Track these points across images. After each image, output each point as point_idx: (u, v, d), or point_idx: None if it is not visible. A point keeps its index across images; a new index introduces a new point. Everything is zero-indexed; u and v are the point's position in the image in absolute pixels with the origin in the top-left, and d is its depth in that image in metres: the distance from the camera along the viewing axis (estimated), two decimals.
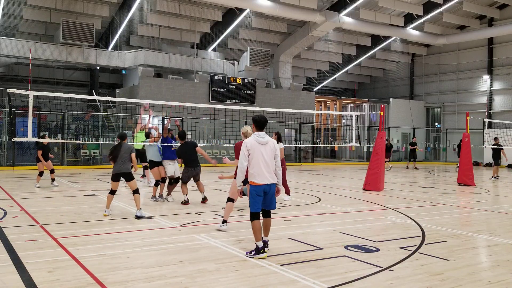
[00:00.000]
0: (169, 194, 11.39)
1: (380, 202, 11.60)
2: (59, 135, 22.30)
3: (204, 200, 10.80)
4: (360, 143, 22.15)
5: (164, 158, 11.44)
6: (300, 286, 4.97)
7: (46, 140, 13.61)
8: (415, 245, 6.84)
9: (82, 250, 6.15)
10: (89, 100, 26.99)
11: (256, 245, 6.02)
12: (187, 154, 10.54)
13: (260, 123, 6.29)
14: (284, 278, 5.19)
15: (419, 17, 29.76)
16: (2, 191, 12.26)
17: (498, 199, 13.15)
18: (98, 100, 25.18)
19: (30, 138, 12.52)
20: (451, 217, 9.63)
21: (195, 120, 23.06)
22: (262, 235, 6.17)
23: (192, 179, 10.70)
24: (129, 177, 8.87)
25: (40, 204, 10.34)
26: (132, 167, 8.95)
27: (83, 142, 21.42)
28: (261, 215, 6.21)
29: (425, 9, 28.94)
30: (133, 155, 8.94)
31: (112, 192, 9.05)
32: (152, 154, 11.56)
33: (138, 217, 8.62)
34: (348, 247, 6.64)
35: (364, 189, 14.17)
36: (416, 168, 26.45)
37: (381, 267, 5.66)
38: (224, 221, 7.64)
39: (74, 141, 21.44)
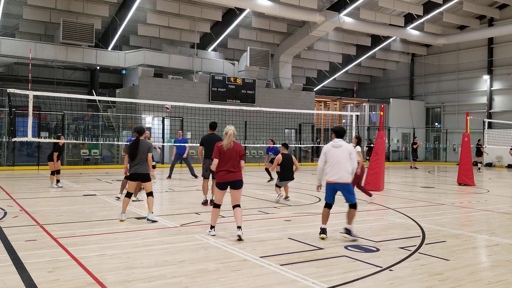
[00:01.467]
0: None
1: (380, 202, 11.60)
2: (58, 134, 22.28)
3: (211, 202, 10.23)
4: (359, 143, 22.13)
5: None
6: (300, 286, 4.97)
7: (61, 141, 13.53)
8: (415, 245, 6.84)
9: (82, 250, 6.15)
10: (89, 100, 27.00)
11: (321, 227, 7.25)
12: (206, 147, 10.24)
13: (339, 132, 7.39)
14: (284, 278, 5.19)
15: (419, 17, 29.76)
16: (2, 191, 12.26)
17: (498, 199, 13.14)
18: (98, 100, 25.19)
19: (30, 138, 12.54)
20: (451, 217, 9.63)
21: (195, 120, 23.07)
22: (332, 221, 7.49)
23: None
24: (146, 178, 8.34)
25: (40, 204, 10.34)
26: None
27: (83, 142, 21.43)
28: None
29: (425, 9, 28.95)
30: (150, 155, 8.35)
31: (129, 194, 8.44)
32: None
33: (149, 221, 8.18)
34: (348, 247, 6.64)
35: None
36: (416, 168, 26.43)
37: (381, 267, 5.66)
38: (212, 227, 7.36)
39: (75, 141, 21.43)
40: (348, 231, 7.22)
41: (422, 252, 6.44)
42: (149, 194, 8.36)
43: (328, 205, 7.33)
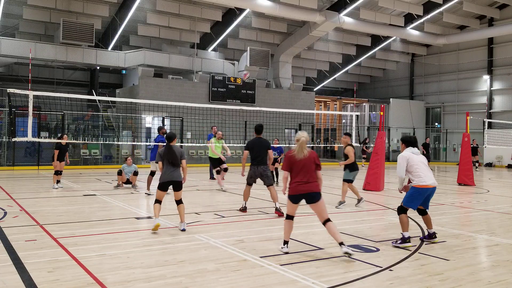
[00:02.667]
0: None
1: (380, 202, 11.60)
2: (59, 135, 22.28)
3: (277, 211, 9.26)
4: (360, 143, 22.12)
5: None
6: (300, 286, 4.97)
7: (64, 141, 13.51)
8: (415, 245, 6.84)
9: (82, 250, 6.15)
10: (89, 100, 27.00)
11: (403, 235, 6.71)
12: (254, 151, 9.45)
13: (410, 143, 7.02)
14: (284, 278, 5.19)
15: (419, 17, 29.76)
16: (2, 191, 12.26)
17: (498, 199, 13.14)
18: (98, 100, 25.19)
19: (30, 138, 12.54)
20: (451, 217, 9.63)
21: (195, 120, 23.08)
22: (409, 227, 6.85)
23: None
24: (178, 186, 7.74)
25: (40, 204, 10.34)
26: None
27: (83, 142, 21.43)
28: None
29: (425, 9, 28.95)
30: (184, 161, 7.82)
31: (158, 201, 7.79)
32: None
33: (183, 230, 7.54)
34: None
35: (364, 189, 14.16)
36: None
37: (381, 267, 5.66)
38: (285, 242, 6.36)
39: (75, 141, 21.44)
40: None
41: (422, 252, 6.44)
42: (179, 202, 7.76)
43: (406, 211, 6.84)
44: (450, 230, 8.08)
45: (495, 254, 6.55)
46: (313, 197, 6.17)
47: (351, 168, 10.67)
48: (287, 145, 25.05)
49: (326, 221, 6.13)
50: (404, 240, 6.70)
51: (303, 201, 6.39)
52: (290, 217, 6.39)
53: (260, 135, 9.71)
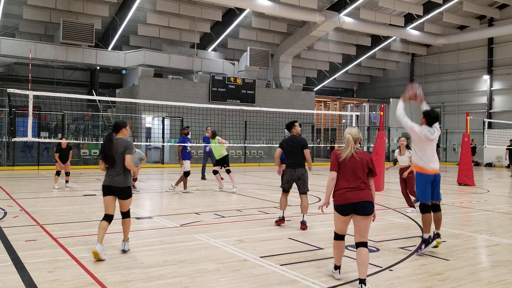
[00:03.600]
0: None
1: (380, 202, 11.60)
2: (59, 135, 22.28)
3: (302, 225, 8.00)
4: (360, 144, 22.21)
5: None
6: (300, 286, 4.97)
7: (64, 141, 13.51)
8: (415, 245, 6.83)
9: (82, 250, 6.15)
10: (89, 100, 26.99)
11: (424, 236, 6.22)
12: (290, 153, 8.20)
13: (432, 118, 6.40)
14: (284, 278, 5.19)
15: (419, 17, 29.76)
16: (2, 191, 12.26)
17: (498, 199, 13.14)
18: (98, 100, 25.19)
19: (30, 138, 12.53)
20: (451, 217, 9.63)
21: (195, 120, 23.07)
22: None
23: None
24: (122, 194, 5.98)
25: (40, 204, 10.34)
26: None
27: (83, 142, 21.42)
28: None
29: (425, 9, 28.95)
30: (128, 157, 5.93)
31: (107, 217, 5.97)
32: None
33: (123, 252, 6.10)
34: (348, 247, 6.62)
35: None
36: None
37: (381, 267, 5.66)
38: (337, 267, 5.28)
39: (74, 141, 21.43)
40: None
41: (422, 252, 6.43)
42: (125, 215, 6.12)
43: (429, 208, 6.29)
44: (450, 230, 8.08)
45: (495, 254, 6.55)
46: (364, 208, 5.00)
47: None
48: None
49: (361, 244, 5.00)
50: (428, 242, 6.17)
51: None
52: (341, 237, 5.22)
53: (292, 131, 8.33)
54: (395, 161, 10.64)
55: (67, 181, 13.57)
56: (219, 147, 13.39)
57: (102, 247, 5.70)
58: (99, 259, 5.60)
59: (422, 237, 6.32)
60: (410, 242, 7.07)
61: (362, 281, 4.77)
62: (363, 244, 4.97)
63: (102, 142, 21.17)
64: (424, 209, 6.28)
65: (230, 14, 28.03)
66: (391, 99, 35.99)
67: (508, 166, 29.17)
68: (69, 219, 8.41)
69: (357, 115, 19.75)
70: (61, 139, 13.84)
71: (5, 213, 8.88)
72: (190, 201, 11.40)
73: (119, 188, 5.90)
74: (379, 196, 12.96)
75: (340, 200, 5.02)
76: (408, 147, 10.43)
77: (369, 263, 5.79)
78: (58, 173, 13.39)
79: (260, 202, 11.23)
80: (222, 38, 29.74)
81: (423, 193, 6.26)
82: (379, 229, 8.12)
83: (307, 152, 8.05)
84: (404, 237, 7.42)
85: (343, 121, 34.67)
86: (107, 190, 5.94)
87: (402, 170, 10.38)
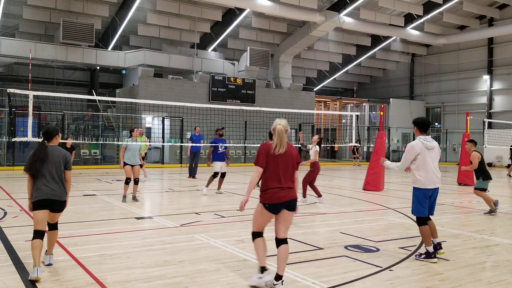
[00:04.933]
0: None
1: (380, 202, 11.60)
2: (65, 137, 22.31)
3: None
4: (360, 143, 22.14)
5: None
6: (300, 286, 4.97)
7: (69, 141, 13.53)
8: (415, 245, 6.84)
9: (82, 250, 6.15)
10: (89, 100, 27.00)
11: (427, 249, 5.97)
12: None
13: (424, 126, 6.22)
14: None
15: (419, 17, 29.76)
16: (2, 191, 12.26)
17: (498, 199, 13.12)
18: (98, 100, 25.19)
19: (30, 138, 12.54)
20: (451, 217, 9.63)
21: (195, 120, 23.08)
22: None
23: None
24: (60, 207, 5.47)
25: None
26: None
27: (83, 142, 21.43)
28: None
29: (425, 9, 28.95)
30: (68, 173, 5.45)
31: (38, 233, 5.19)
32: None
33: (49, 265, 5.46)
34: (348, 247, 6.63)
35: (364, 189, 14.17)
36: None
37: (381, 267, 5.66)
38: (264, 270, 4.92)
39: (74, 141, 21.41)
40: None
41: (422, 252, 6.43)
42: (53, 226, 5.60)
43: (426, 220, 6.13)
44: (450, 230, 8.08)
45: (495, 254, 6.55)
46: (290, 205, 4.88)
47: (484, 176, 10.17)
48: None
49: (283, 241, 4.83)
50: (429, 255, 5.98)
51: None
52: (259, 235, 4.99)
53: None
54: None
55: None
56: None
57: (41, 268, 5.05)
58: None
59: (426, 248, 6.06)
60: (410, 242, 7.07)
61: (280, 277, 4.68)
62: (286, 241, 4.84)
63: (102, 142, 21.25)
64: (419, 223, 6.14)
65: (230, 14, 28.03)
66: (391, 99, 36.00)
67: (508, 166, 29.23)
68: (69, 219, 8.40)
69: (357, 115, 19.77)
70: (66, 138, 13.86)
71: (5, 213, 8.88)
72: (190, 201, 11.40)
73: (58, 201, 5.38)
74: (379, 196, 12.97)
75: (273, 199, 4.82)
76: (319, 143, 11.70)
77: (369, 263, 5.81)
78: None
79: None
80: (222, 38, 29.74)
81: (420, 207, 6.07)
82: (379, 229, 8.12)
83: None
84: (404, 237, 7.42)
85: (343, 121, 34.67)
86: (44, 202, 5.27)
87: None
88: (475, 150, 10.25)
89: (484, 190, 10.19)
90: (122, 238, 6.98)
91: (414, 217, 9.21)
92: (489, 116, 32.18)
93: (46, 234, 5.36)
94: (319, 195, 11.09)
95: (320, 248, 6.55)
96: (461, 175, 16.70)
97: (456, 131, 33.66)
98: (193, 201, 11.20)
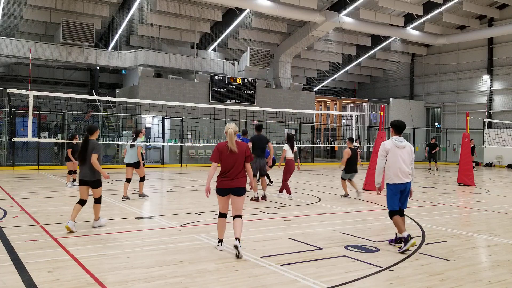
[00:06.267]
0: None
1: (380, 202, 11.59)
2: (59, 135, 22.29)
3: (264, 197, 11.46)
4: (360, 143, 22.13)
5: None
6: (300, 286, 4.97)
7: (75, 141, 13.66)
8: (415, 246, 6.84)
9: (82, 250, 6.15)
10: (89, 100, 27.00)
11: (403, 235, 6.47)
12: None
13: (399, 128, 6.85)
14: (284, 278, 5.19)
15: (419, 17, 29.76)
16: (2, 191, 12.26)
17: (498, 199, 13.14)
18: (98, 100, 25.19)
19: (30, 138, 12.55)
20: (451, 217, 9.63)
21: (195, 120, 23.08)
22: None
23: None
24: (92, 185, 7.62)
25: (40, 204, 10.34)
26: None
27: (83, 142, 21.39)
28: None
29: (425, 9, 28.94)
30: (94, 156, 7.43)
31: (81, 201, 7.61)
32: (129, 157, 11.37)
33: (94, 227, 7.65)
34: (348, 247, 6.64)
35: (364, 189, 14.17)
36: (437, 169, 25.97)
37: (381, 267, 5.66)
38: (220, 241, 6.43)
39: (75, 140, 21.37)
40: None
41: (422, 252, 6.44)
42: (96, 200, 7.71)
43: (397, 213, 6.68)
44: (450, 230, 8.08)
45: (495, 254, 6.55)
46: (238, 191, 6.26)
47: (347, 169, 12.21)
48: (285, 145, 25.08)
49: (236, 216, 6.32)
50: (406, 240, 6.41)
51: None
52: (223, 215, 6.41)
53: (260, 132, 11.73)
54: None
55: (74, 180, 13.60)
56: None
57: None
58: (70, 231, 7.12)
59: (401, 237, 6.51)
60: None
61: (238, 238, 6.05)
62: (239, 216, 6.30)
63: (102, 142, 21.26)
64: (391, 214, 6.69)
65: (230, 14, 28.02)
66: (391, 99, 36.00)
67: (508, 166, 29.22)
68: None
69: (357, 115, 19.78)
70: (72, 138, 13.99)
71: (5, 213, 8.88)
72: (190, 201, 11.40)
73: (88, 181, 7.62)
74: (379, 196, 12.95)
75: (220, 185, 6.22)
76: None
77: (369, 263, 5.82)
78: (70, 172, 13.44)
79: (259, 202, 11.22)
80: (222, 38, 29.74)
81: (392, 201, 6.67)
82: (379, 229, 8.13)
83: (270, 145, 11.88)
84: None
85: (343, 121, 34.67)
86: (82, 182, 7.65)
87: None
88: (349, 147, 12.14)
89: (344, 179, 12.28)
90: (122, 238, 6.98)
91: (414, 217, 9.25)
92: (489, 116, 32.18)
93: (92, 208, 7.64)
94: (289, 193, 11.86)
95: (320, 248, 6.55)
96: (461, 175, 16.70)
97: (456, 131, 33.67)
98: (193, 201, 11.20)
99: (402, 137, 6.84)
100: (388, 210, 6.76)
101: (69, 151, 13.43)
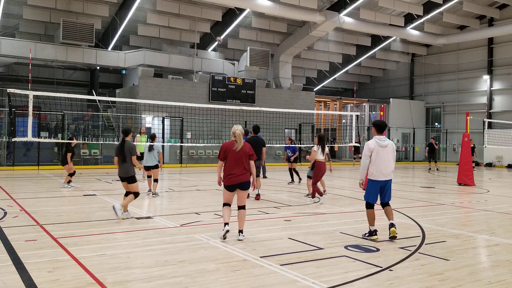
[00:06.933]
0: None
1: (380, 202, 11.58)
2: (59, 135, 22.29)
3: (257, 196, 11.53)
4: (360, 143, 22.13)
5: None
6: (300, 286, 4.97)
7: (74, 142, 13.68)
8: (415, 245, 6.84)
9: (82, 250, 6.15)
10: (89, 100, 27.00)
11: (370, 229, 7.21)
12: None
13: (381, 127, 7.28)
14: (284, 278, 5.19)
15: (419, 17, 29.76)
16: (2, 191, 12.26)
17: (498, 199, 13.14)
18: (98, 100, 25.19)
19: (30, 138, 12.54)
20: (451, 217, 9.63)
21: (195, 120, 23.08)
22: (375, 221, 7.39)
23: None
24: (128, 180, 8.65)
25: (40, 204, 10.34)
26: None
27: (83, 142, 21.43)
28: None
29: (425, 9, 28.94)
30: (133, 158, 8.63)
31: (126, 194, 8.81)
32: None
33: (115, 210, 8.50)
34: (348, 247, 6.64)
35: (364, 189, 14.14)
36: (437, 169, 25.97)
37: (381, 267, 5.66)
38: (226, 224, 7.01)
39: (75, 141, 21.37)
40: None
41: (422, 252, 6.44)
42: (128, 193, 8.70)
43: (372, 206, 7.36)
44: (450, 230, 8.08)
45: (495, 254, 6.55)
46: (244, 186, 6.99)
47: (313, 167, 11.75)
48: (305, 145, 25.10)
49: (241, 208, 7.03)
50: (371, 233, 7.16)
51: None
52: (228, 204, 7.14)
53: (257, 134, 11.51)
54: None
55: (70, 181, 13.60)
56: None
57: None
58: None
59: (369, 227, 7.27)
60: (410, 242, 7.08)
61: (241, 231, 6.98)
62: (243, 207, 7.02)
63: (102, 142, 21.26)
64: (367, 207, 7.34)
65: (230, 14, 28.03)
66: (391, 99, 36.00)
67: (508, 166, 29.21)
68: (69, 219, 8.41)
69: (357, 115, 19.77)
70: (71, 138, 13.98)
71: (5, 213, 8.89)
72: (190, 201, 11.41)
73: (124, 177, 8.67)
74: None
75: (229, 182, 6.93)
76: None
77: (369, 263, 5.82)
78: (71, 175, 13.46)
79: (259, 202, 11.22)
80: (222, 38, 29.72)
81: (369, 195, 7.29)
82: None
83: (264, 150, 11.56)
84: (404, 237, 7.42)
85: (343, 121, 34.67)
86: (121, 179, 8.75)
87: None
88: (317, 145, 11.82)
89: (310, 178, 11.82)
90: (122, 238, 6.99)
91: (414, 217, 9.25)
92: (489, 116, 32.18)
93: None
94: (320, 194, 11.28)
95: (320, 248, 6.55)
96: (461, 175, 16.70)
97: (456, 131, 33.67)
98: (193, 201, 11.20)
99: (385, 136, 7.28)
100: (365, 202, 7.34)
101: (69, 154, 13.36)
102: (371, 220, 7.22)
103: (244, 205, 7.08)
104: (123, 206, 8.51)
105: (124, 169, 8.52)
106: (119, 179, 8.72)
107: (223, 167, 7.06)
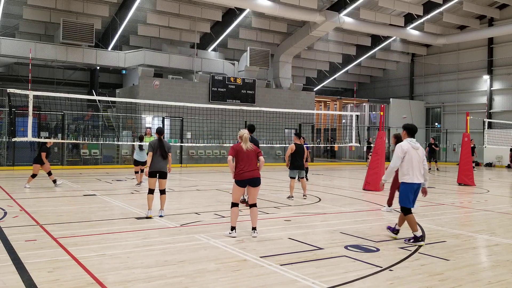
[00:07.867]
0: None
1: (380, 202, 11.59)
2: (59, 135, 22.28)
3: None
4: (360, 143, 22.12)
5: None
6: (300, 286, 4.97)
7: (51, 141, 13.70)
8: (416, 245, 6.84)
9: (82, 250, 6.15)
10: (89, 100, 27.00)
11: (415, 235, 6.98)
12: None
13: (412, 131, 7.29)
14: (284, 278, 5.19)
15: (419, 17, 29.76)
16: (2, 191, 12.26)
17: (498, 199, 13.14)
18: (98, 100, 25.19)
19: (30, 138, 12.54)
20: (451, 217, 9.63)
21: (195, 120, 23.08)
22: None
23: None
24: (164, 176, 9.04)
25: (40, 204, 10.34)
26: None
27: (83, 142, 21.42)
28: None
29: (425, 9, 28.94)
30: (170, 155, 9.08)
31: (151, 191, 8.98)
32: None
33: (159, 216, 8.84)
34: (348, 247, 6.64)
35: (364, 189, 14.17)
36: (437, 169, 25.95)
37: (381, 267, 5.66)
38: (233, 228, 7.25)
39: (74, 141, 21.42)
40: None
41: (422, 252, 6.44)
42: (163, 192, 9.05)
43: (411, 211, 7.14)
44: (450, 230, 8.08)
45: (495, 254, 6.56)
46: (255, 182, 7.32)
47: (292, 167, 11.75)
48: (285, 145, 25.08)
49: (253, 205, 7.35)
50: (416, 239, 6.92)
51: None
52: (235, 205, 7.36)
53: (252, 133, 11.28)
54: None
55: (55, 180, 13.63)
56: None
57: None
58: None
59: (414, 233, 7.01)
60: (410, 242, 7.07)
61: (254, 228, 7.29)
62: (255, 205, 7.37)
63: (102, 142, 21.25)
64: (406, 212, 7.08)
65: (230, 14, 28.02)
66: (391, 99, 36.00)
67: (508, 166, 29.21)
68: (69, 219, 8.41)
69: (357, 115, 19.75)
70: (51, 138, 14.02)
71: (5, 213, 8.88)
72: (190, 201, 11.40)
73: (163, 172, 9.03)
74: (379, 196, 12.96)
75: (241, 177, 7.26)
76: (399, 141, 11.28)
77: (369, 263, 5.82)
78: (34, 176, 13.44)
79: (259, 202, 11.21)
80: (222, 38, 29.74)
81: (407, 199, 7.06)
82: (379, 229, 8.13)
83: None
84: (404, 237, 7.42)
85: (343, 121, 34.67)
86: (154, 173, 8.90)
87: None
88: (295, 143, 11.83)
89: (292, 178, 11.69)
90: (122, 238, 6.98)
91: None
92: (489, 116, 32.18)
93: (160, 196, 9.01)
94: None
95: (320, 248, 6.55)
96: (461, 175, 16.70)
97: (456, 131, 33.67)
98: (193, 201, 11.20)
99: (415, 139, 7.27)
100: (400, 207, 7.13)
101: (44, 154, 13.28)
102: (414, 225, 6.99)
103: (256, 203, 7.39)
104: (163, 209, 9.06)
105: (163, 164, 8.91)
106: (150, 175, 8.77)
107: (234, 165, 7.41)
